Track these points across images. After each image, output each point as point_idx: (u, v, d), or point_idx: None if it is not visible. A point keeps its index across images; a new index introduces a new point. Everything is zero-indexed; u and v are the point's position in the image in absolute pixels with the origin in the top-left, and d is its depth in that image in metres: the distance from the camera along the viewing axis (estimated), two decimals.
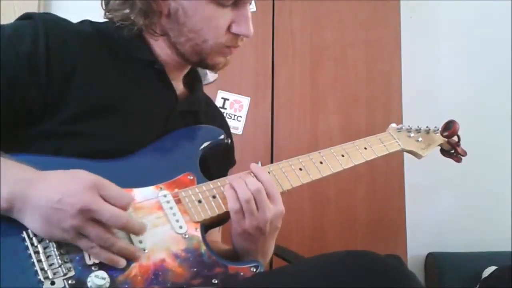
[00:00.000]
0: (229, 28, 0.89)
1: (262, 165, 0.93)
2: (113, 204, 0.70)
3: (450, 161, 1.22)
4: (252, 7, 1.51)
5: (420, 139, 1.16)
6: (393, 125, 1.18)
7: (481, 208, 2.44)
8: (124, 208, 0.72)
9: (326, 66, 2.17)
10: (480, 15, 2.55)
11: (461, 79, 2.53)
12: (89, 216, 0.68)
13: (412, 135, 1.16)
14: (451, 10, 2.55)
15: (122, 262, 0.71)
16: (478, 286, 2.04)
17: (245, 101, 2.10)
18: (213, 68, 0.95)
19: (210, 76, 2.04)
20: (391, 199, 2.13)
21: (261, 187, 0.84)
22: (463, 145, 1.19)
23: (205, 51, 0.91)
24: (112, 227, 0.71)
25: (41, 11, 2.19)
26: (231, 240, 0.90)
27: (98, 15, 0.93)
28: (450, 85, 2.53)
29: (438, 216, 2.46)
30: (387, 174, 2.13)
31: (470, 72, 2.53)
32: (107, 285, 0.69)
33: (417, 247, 2.31)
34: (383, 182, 2.13)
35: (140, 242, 0.76)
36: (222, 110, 1.84)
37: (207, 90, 1.13)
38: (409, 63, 2.29)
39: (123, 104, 0.86)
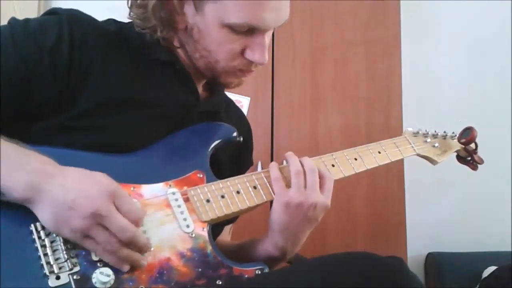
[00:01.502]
0: (243, 52, 0.87)
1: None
2: (124, 216, 0.70)
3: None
4: None
5: (436, 144, 1.13)
6: (410, 129, 1.15)
7: (481, 208, 2.44)
8: (135, 222, 0.71)
9: (326, 66, 2.17)
10: (480, 15, 2.55)
11: (461, 79, 2.53)
12: (98, 221, 0.68)
13: (428, 140, 1.13)
14: (451, 10, 2.55)
15: (126, 268, 0.71)
16: (478, 286, 2.04)
17: (245, 101, 2.09)
18: (226, 86, 0.95)
19: None
20: (391, 199, 2.13)
21: (316, 169, 0.87)
22: None
23: (217, 71, 0.90)
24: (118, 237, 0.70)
25: (41, 11, 2.18)
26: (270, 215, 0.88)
27: (98, 16, 0.92)
28: (450, 85, 2.53)
29: (438, 216, 2.46)
30: (387, 174, 2.12)
31: (470, 72, 2.52)
32: (112, 282, 0.69)
33: (417, 247, 2.31)
34: (383, 182, 2.13)
35: (147, 239, 0.75)
36: None
37: None
38: (409, 63, 2.29)
39: (138, 100, 0.86)
